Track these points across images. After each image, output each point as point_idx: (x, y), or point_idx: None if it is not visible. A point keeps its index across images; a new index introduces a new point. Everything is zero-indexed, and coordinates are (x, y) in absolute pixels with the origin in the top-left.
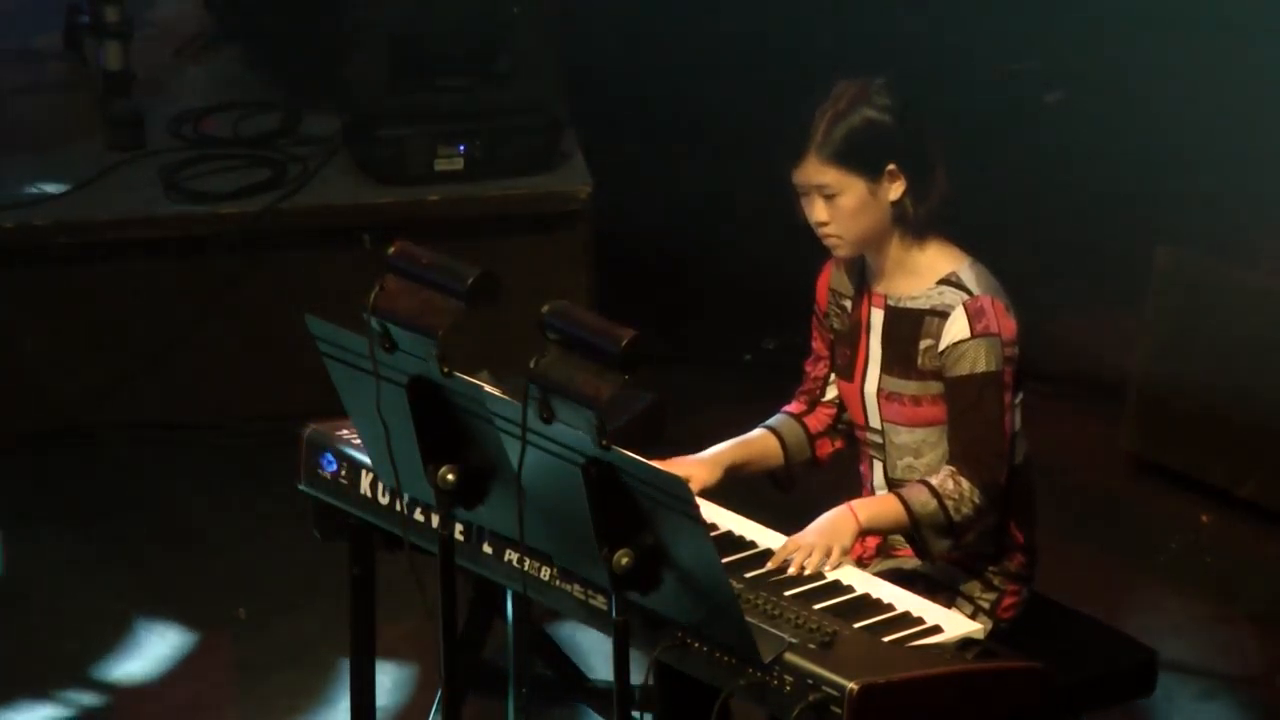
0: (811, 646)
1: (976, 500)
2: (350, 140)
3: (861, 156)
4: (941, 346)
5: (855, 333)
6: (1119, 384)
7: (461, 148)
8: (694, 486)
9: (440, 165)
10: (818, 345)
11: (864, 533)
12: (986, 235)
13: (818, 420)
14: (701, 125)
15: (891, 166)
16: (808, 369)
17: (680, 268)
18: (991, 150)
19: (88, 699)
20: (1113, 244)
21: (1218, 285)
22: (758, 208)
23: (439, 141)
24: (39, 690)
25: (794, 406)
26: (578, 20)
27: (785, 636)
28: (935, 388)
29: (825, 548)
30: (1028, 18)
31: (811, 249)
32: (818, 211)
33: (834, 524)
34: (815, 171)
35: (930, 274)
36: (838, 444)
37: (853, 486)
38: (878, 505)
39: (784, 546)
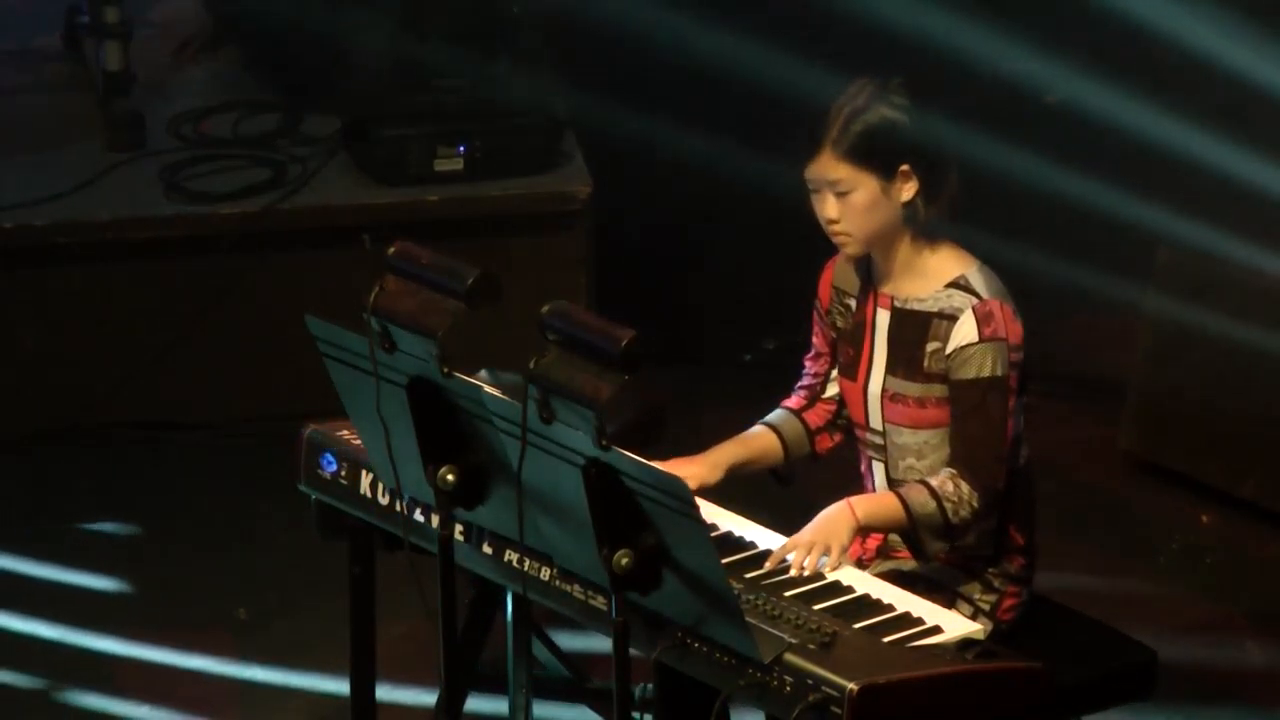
0: (811, 647)
1: (975, 504)
2: (350, 140)
3: (876, 155)
4: (949, 350)
5: (860, 332)
6: (1119, 384)
7: (461, 148)
8: (694, 486)
9: (440, 165)
10: (818, 341)
11: (862, 529)
12: (985, 235)
13: (817, 415)
14: (702, 125)
15: (905, 166)
16: (807, 365)
17: (680, 268)
18: (991, 150)
19: (87, 699)
20: (1113, 244)
21: (1218, 285)
22: (758, 207)
23: (439, 141)
24: (39, 690)
25: (794, 402)
26: (577, 20)
27: (785, 637)
28: (939, 390)
29: (824, 545)
30: (1028, 17)
31: (812, 249)
32: (829, 208)
33: (832, 521)
34: (829, 167)
35: (938, 276)
36: (837, 438)
37: (853, 485)
38: (876, 503)
39: (783, 545)
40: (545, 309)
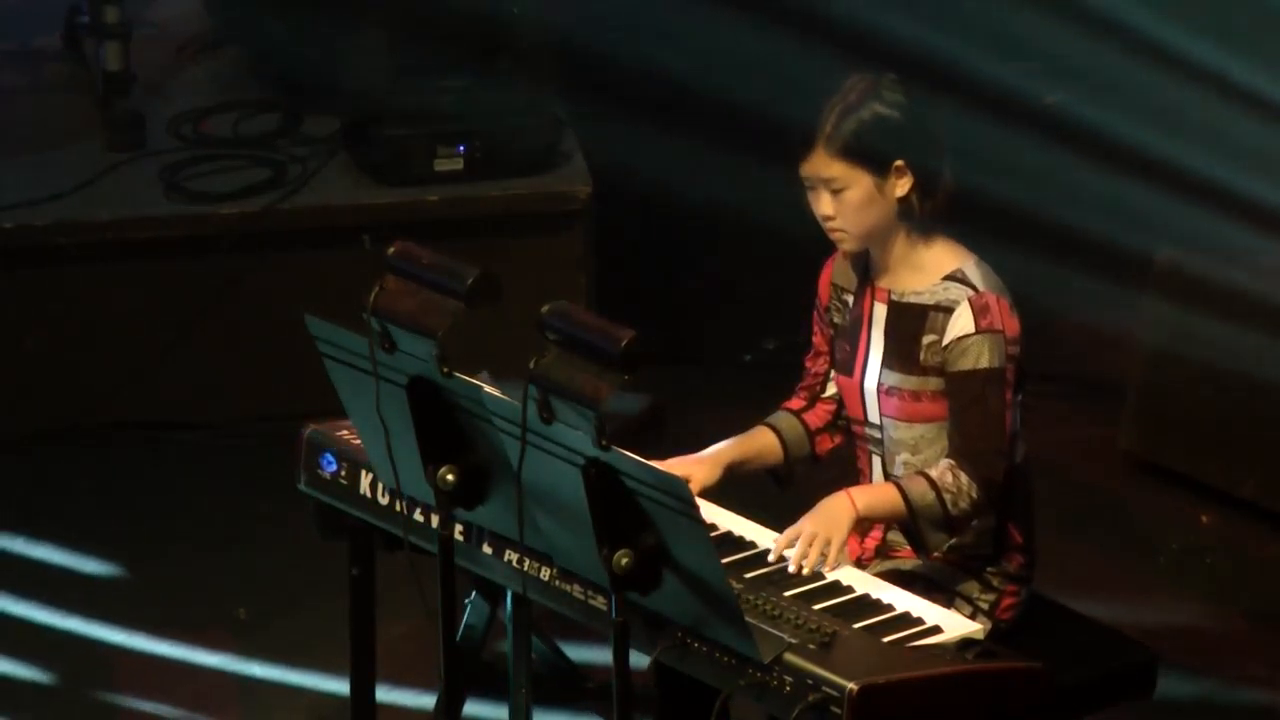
0: (811, 647)
1: (974, 495)
2: (350, 140)
3: (870, 152)
4: (945, 341)
5: (857, 327)
6: (1119, 384)
7: (461, 148)
8: (694, 486)
9: (440, 165)
10: (818, 341)
11: (861, 520)
12: (986, 235)
13: (817, 416)
14: (702, 125)
15: (899, 163)
16: (807, 365)
17: (680, 268)
18: (991, 150)
19: (87, 699)
20: (1113, 244)
21: (1218, 285)
22: (759, 207)
23: (439, 141)
24: (38, 689)
25: (794, 403)
26: (578, 19)
27: (785, 637)
28: (935, 383)
29: (824, 536)
30: (1027, 17)
31: (812, 249)
32: (824, 205)
33: (832, 511)
34: (823, 165)
35: (935, 270)
36: (837, 440)
37: (851, 483)
38: (875, 493)
39: (783, 535)
40: (545, 309)
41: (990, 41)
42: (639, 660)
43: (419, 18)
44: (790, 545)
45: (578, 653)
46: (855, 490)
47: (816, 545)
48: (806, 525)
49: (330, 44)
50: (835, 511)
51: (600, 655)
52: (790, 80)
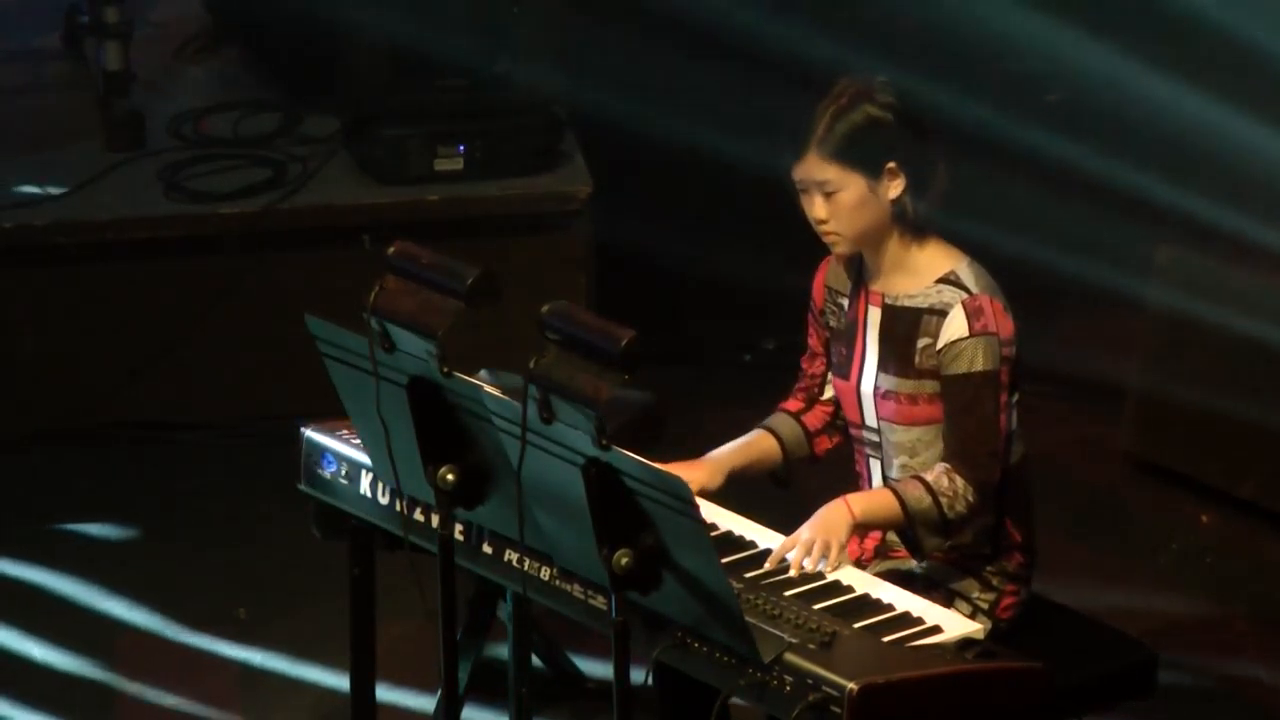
0: (811, 646)
1: (970, 499)
2: (350, 140)
3: (862, 154)
4: (939, 345)
5: (852, 331)
6: (1119, 384)
7: (461, 148)
8: (693, 489)
9: (440, 165)
10: (814, 343)
11: (858, 526)
12: (986, 235)
13: (815, 417)
14: (703, 125)
15: (892, 165)
16: (804, 366)
17: (680, 268)
18: (991, 150)
19: (87, 699)
20: (1113, 244)
21: (1218, 285)
22: (759, 207)
23: (439, 141)
24: (38, 690)
25: (791, 404)
26: (578, 20)
27: (785, 636)
28: (932, 386)
29: (823, 543)
30: (1028, 16)
31: (811, 249)
32: (817, 208)
33: (829, 518)
34: (816, 168)
35: (928, 272)
36: (836, 440)
37: (850, 484)
38: (872, 499)
39: (782, 544)
40: (545, 309)
41: (990, 41)
42: (637, 675)
43: (419, 17)
44: (789, 551)
45: (577, 658)
46: (852, 497)
47: (816, 552)
48: (805, 533)
49: (330, 43)
50: (833, 518)
51: (600, 659)
52: (793, 80)
